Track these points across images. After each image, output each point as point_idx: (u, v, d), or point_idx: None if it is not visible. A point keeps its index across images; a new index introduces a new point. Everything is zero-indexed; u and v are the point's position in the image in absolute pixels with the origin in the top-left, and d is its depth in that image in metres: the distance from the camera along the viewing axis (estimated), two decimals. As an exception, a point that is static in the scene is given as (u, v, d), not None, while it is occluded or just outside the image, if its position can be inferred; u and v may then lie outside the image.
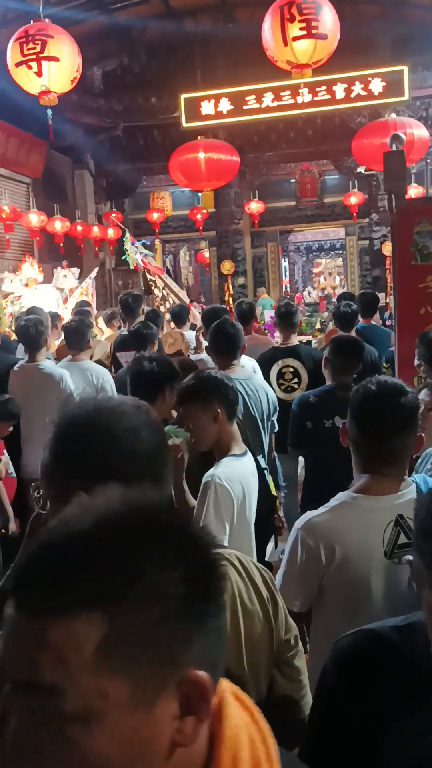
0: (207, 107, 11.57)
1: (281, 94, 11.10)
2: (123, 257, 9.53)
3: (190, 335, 6.10)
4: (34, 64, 5.73)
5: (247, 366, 4.02)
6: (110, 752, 0.60)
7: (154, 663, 0.61)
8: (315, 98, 10.94)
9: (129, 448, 1.06)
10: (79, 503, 0.68)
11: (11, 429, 4.15)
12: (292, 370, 4.73)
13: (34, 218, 10.51)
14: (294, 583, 1.84)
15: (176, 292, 8.70)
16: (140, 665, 0.61)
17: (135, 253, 8.90)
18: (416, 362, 3.43)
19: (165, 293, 8.56)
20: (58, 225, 10.97)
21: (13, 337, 6.12)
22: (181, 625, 0.63)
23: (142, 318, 5.60)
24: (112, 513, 0.65)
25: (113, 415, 1.10)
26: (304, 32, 5.84)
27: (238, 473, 2.35)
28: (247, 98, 11.37)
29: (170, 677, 0.62)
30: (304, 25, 5.82)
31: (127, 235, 9.30)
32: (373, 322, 5.97)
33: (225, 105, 11.51)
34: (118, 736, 0.60)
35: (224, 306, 6.73)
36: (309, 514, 1.88)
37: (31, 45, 5.72)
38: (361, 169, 12.17)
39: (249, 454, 2.52)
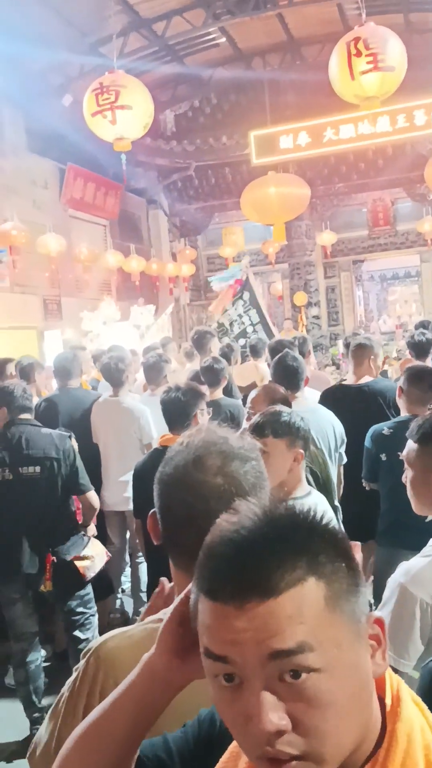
0: (277, 143, 11.74)
1: (351, 126, 11.14)
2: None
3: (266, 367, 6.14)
4: (108, 113, 6.00)
5: (309, 398, 4.01)
6: (346, 691, 0.71)
7: (357, 610, 0.75)
8: (388, 128, 10.95)
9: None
10: (238, 506, 0.78)
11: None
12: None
13: (111, 258, 10.88)
14: (406, 641, 1.72)
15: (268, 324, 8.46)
16: (352, 613, 0.74)
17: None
18: None
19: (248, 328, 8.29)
20: (134, 264, 11.31)
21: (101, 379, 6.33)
22: (354, 582, 0.76)
23: (215, 353, 5.69)
24: (273, 513, 0.76)
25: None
26: (371, 66, 5.85)
27: None
28: (317, 132, 11.47)
29: (364, 619, 0.76)
30: (371, 59, 5.83)
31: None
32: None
33: (294, 140, 11.64)
34: (351, 675, 0.72)
35: (289, 339, 6.67)
36: (410, 566, 1.80)
37: (105, 95, 6.00)
38: (434, 196, 12.04)
39: (314, 492, 2.50)
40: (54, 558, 3.56)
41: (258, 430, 2.33)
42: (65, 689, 1.19)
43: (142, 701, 0.89)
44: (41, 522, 3.55)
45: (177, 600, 0.89)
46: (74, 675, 1.19)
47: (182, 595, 0.88)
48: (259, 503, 0.77)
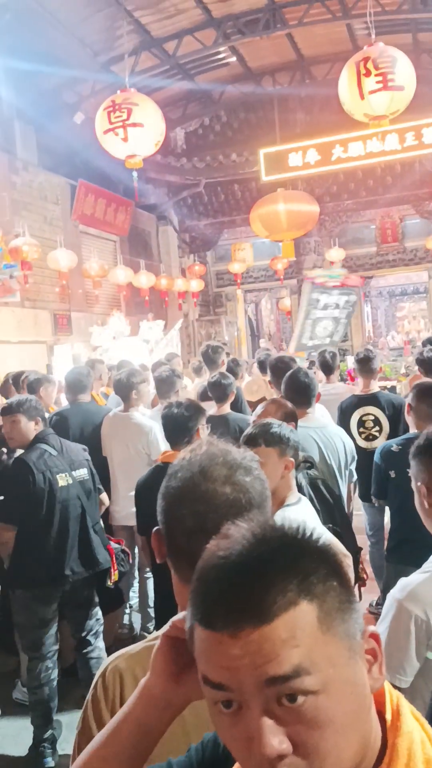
0: (286, 160, 11.82)
1: (360, 144, 11.21)
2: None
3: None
4: (120, 131, 6.07)
5: (320, 415, 4.01)
6: (345, 708, 0.71)
7: (351, 627, 0.75)
8: (397, 145, 11.01)
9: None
10: (227, 530, 0.78)
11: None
12: (372, 417, 4.67)
13: (121, 274, 10.94)
14: (402, 657, 1.74)
15: None
16: (347, 631, 0.74)
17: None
18: None
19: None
20: (144, 279, 11.36)
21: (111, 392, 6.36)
22: (347, 599, 0.76)
23: (223, 368, 5.70)
24: (263, 537, 0.76)
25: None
26: (380, 85, 5.92)
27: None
28: (326, 150, 11.54)
29: (359, 636, 0.76)
30: (380, 78, 5.90)
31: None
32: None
33: (303, 157, 11.71)
34: (348, 692, 0.72)
35: (291, 355, 6.66)
36: (407, 582, 1.80)
37: (117, 113, 6.08)
38: (443, 213, 12.07)
39: (303, 500, 2.56)
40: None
41: (251, 441, 2.45)
42: (78, 725, 1.18)
43: (142, 724, 0.90)
44: (97, 520, 3.87)
45: (167, 624, 0.89)
46: (84, 706, 1.18)
47: (174, 619, 0.88)
48: (249, 526, 0.78)
